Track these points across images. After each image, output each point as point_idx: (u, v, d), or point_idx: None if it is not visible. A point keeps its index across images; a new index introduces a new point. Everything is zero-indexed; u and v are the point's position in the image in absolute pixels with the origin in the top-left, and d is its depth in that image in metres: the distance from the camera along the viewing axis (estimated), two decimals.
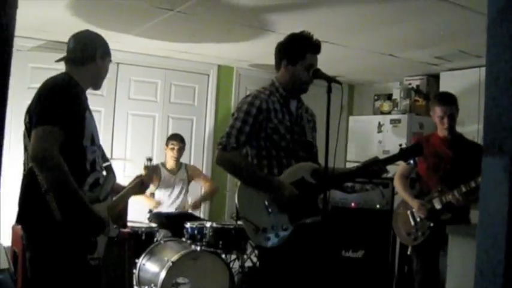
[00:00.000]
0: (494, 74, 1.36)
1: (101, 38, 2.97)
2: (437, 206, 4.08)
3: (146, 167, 3.31)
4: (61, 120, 2.51)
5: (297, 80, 3.19)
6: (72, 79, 2.77)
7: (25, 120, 2.67)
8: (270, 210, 3.01)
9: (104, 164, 2.92)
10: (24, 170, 2.66)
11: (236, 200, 3.09)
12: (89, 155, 2.70)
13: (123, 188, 3.16)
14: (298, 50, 3.17)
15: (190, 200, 5.98)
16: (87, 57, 2.86)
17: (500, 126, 1.32)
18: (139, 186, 3.18)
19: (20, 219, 2.68)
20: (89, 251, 2.68)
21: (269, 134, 3.10)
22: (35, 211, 2.59)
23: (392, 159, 3.25)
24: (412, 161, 3.31)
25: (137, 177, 3.21)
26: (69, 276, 2.60)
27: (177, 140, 5.99)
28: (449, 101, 4.20)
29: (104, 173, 2.90)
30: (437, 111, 4.19)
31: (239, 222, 3.94)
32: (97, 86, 2.99)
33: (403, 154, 3.24)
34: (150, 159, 3.40)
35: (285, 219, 3.02)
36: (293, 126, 3.19)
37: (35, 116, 2.55)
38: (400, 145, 3.37)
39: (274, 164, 3.11)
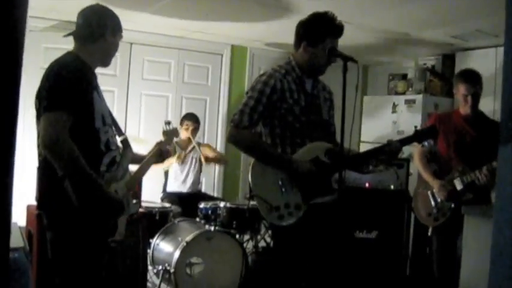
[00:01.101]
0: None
1: (111, 13, 2.85)
2: (459, 186, 4.03)
3: (165, 132, 3.30)
4: (68, 105, 2.47)
5: (316, 62, 3.15)
6: (78, 59, 2.69)
7: (35, 105, 2.63)
8: (283, 189, 3.01)
9: (120, 138, 2.89)
10: (39, 155, 2.63)
11: (250, 179, 3.09)
12: (102, 136, 2.66)
13: (142, 157, 3.13)
14: (319, 32, 3.11)
15: (204, 181, 6.01)
16: (97, 33, 2.75)
17: None
18: (159, 154, 3.16)
19: (40, 205, 2.72)
20: (110, 233, 2.69)
21: (283, 114, 3.08)
22: (53, 197, 2.59)
23: (406, 141, 3.22)
24: (426, 143, 3.31)
25: (157, 144, 3.19)
26: (89, 260, 2.62)
27: (192, 120, 5.98)
28: (474, 80, 4.12)
29: (120, 147, 2.87)
30: (461, 89, 4.12)
31: (252, 202, 3.95)
32: (106, 63, 2.88)
33: (417, 136, 3.26)
34: (168, 123, 3.38)
35: (298, 198, 3.00)
36: (308, 106, 3.15)
37: (43, 102, 2.51)
38: (416, 127, 3.37)
39: (287, 143, 3.09)
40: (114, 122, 2.90)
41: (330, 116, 3.33)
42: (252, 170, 3.09)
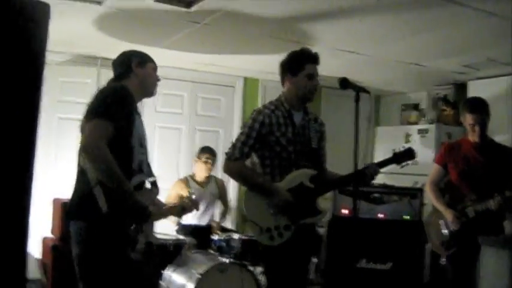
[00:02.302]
0: None
1: (134, 51, 3.20)
2: (471, 215, 4.01)
3: (189, 198, 3.70)
4: (112, 116, 2.70)
5: (300, 89, 3.45)
6: (125, 86, 2.96)
7: (82, 122, 2.84)
8: (272, 211, 3.33)
9: (151, 179, 3.08)
10: (78, 165, 2.84)
11: (243, 204, 3.45)
12: (136, 155, 2.87)
13: (163, 205, 3.45)
14: (297, 61, 3.46)
15: (217, 216, 5.98)
16: (125, 70, 3.06)
17: None
18: (181, 209, 3.56)
19: (68, 215, 2.87)
20: (130, 245, 2.83)
21: (272, 145, 3.41)
22: (81, 205, 2.76)
23: (384, 163, 3.47)
24: (404, 164, 3.53)
25: (181, 200, 3.47)
26: (112, 267, 2.74)
27: (210, 153, 5.93)
28: (480, 108, 4.11)
29: (149, 185, 3.06)
30: (467, 118, 4.11)
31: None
32: (147, 93, 3.19)
33: (396, 158, 3.51)
34: (192, 193, 3.85)
35: (286, 220, 3.33)
36: (296, 137, 3.47)
37: (90, 111, 2.76)
38: (393, 150, 3.58)
39: (276, 172, 3.42)
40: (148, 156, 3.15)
41: (321, 146, 3.64)
42: (245, 197, 3.46)
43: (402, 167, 3.72)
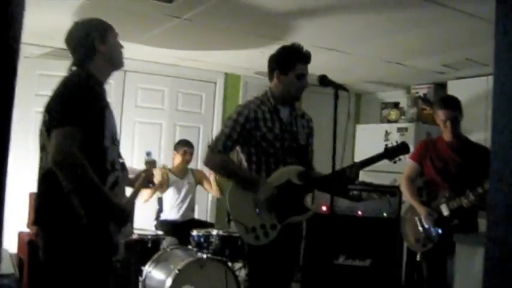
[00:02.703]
0: (501, 84, 1.35)
1: (91, 23, 2.85)
2: (445, 212, 4.05)
3: (147, 162, 3.38)
4: (80, 120, 2.50)
5: (289, 90, 3.39)
6: (89, 74, 2.72)
7: (44, 118, 2.64)
8: (258, 210, 3.25)
9: (120, 161, 2.91)
10: (42, 169, 2.64)
11: (227, 203, 3.38)
12: (109, 155, 2.70)
13: (132, 181, 3.21)
14: (288, 60, 3.38)
15: (197, 206, 6.03)
16: (88, 51, 2.77)
17: (510, 138, 1.31)
18: (146, 181, 3.25)
19: (39, 221, 2.63)
20: (113, 252, 2.70)
21: (258, 141, 3.34)
22: (57, 213, 2.55)
23: (377, 158, 3.41)
24: (397, 159, 3.40)
25: (143, 171, 3.26)
26: (92, 279, 2.57)
27: (188, 145, 6.05)
28: (451, 105, 4.17)
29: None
30: (439, 114, 4.16)
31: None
32: (117, 66, 2.92)
33: (388, 153, 3.41)
34: (148, 153, 3.47)
35: (272, 218, 3.25)
36: (283, 133, 3.39)
37: (55, 116, 2.53)
38: (386, 145, 3.49)
39: (262, 169, 3.35)
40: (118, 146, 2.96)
41: (309, 143, 3.58)
42: (229, 194, 3.37)
43: (395, 162, 3.68)
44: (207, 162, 3.44)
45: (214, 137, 3.44)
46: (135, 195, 3.07)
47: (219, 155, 3.34)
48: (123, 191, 2.87)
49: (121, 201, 2.72)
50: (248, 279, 3.60)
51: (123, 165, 2.93)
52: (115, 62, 2.90)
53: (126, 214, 2.69)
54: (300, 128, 3.50)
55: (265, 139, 3.34)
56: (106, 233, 2.60)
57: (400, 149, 3.42)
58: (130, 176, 3.12)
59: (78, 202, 2.48)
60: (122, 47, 2.94)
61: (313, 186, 3.49)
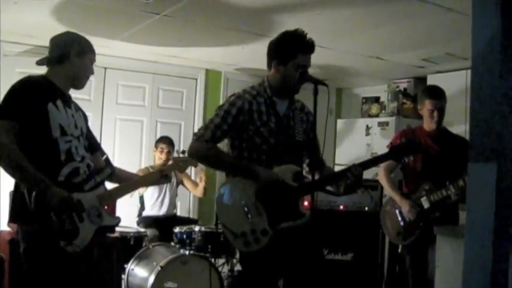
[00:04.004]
0: (479, 73, 1.38)
1: (77, 37, 2.97)
2: (426, 205, 4.08)
3: (175, 158, 3.46)
4: (10, 114, 2.59)
5: (287, 81, 3.07)
6: (42, 78, 2.83)
7: None
8: (249, 215, 2.95)
9: (103, 157, 3.05)
10: None
11: (215, 207, 3.07)
12: (62, 145, 2.72)
13: (129, 175, 3.27)
14: (289, 49, 3.05)
15: (179, 204, 6.01)
16: (62, 55, 2.87)
17: (487, 130, 1.33)
18: (159, 177, 3.29)
19: (11, 217, 2.84)
20: (62, 236, 2.63)
21: (251, 136, 3.05)
22: (16, 204, 2.70)
23: (382, 158, 3.21)
24: (406, 159, 3.20)
25: (162, 166, 3.31)
26: (44, 265, 2.65)
27: (166, 142, 5.98)
28: (439, 95, 4.20)
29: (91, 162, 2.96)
30: (427, 104, 4.18)
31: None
32: (77, 85, 2.97)
33: (394, 152, 3.16)
34: (183, 152, 3.47)
35: (264, 223, 2.94)
36: (279, 128, 3.09)
37: None
38: (391, 143, 3.32)
39: None
40: (93, 140, 3.13)
41: (310, 138, 3.21)
42: (217, 199, 3.06)
43: (401, 163, 3.55)
44: (192, 152, 3.10)
45: (201, 125, 3.17)
46: (130, 187, 3.17)
47: (206, 144, 3.03)
48: (96, 183, 2.85)
49: (81, 198, 2.73)
50: (240, 283, 3.44)
51: (106, 160, 3.06)
52: (78, 79, 2.95)
53: (64, 202, 2.59)
54: (298, 123, 3.17)
55: (258, 134, 3.03)
56: (50, 218, 2.59)
57: (407, 148, 3.14)
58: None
59: (26, 190, 2.58)
60: (91, 73, 3.00)
61: (310, 188, 3.04)
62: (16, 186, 2.68)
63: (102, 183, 2.93)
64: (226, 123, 3.04)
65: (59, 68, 2.87)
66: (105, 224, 2.87)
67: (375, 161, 3.17)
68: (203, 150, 3.07)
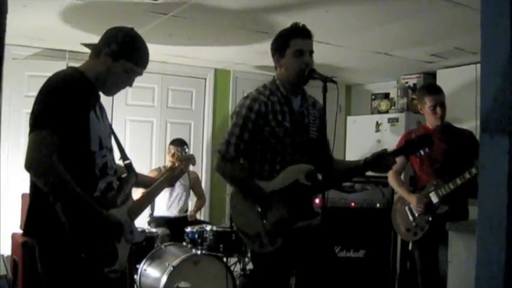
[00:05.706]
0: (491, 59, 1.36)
1: (123, 35, 2.61)
2: (434, 200, 4.09)
3: (180, 157, 3.21)
4: (55, 124, 2.26)
5: (290, 71, 3.04)
6: (80, 74, 2.48)
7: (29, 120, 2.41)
8: (263, 216, 2.95)
9: (125, 162, 2.77)
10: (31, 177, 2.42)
11: (230, 210, 3.10)
12: (99, 160, 2.46)
13: (151, 180, 3.01)
14: (282, 40, 3.06)
15: (191, 205, 6.02)
16: (98, 49, 2.57)
17: (499, 104, 1.29)
18: (169, 179, 3.01)
19: (28, 231, 2.44)
20: (106, 262, 2.42)
21: (266, 136, 3.00)
22: (44, 222, 2.37)
23: (397, 153, 3.16)
24: (422, 152, 3.18)
25: (170, 168, 3.10)
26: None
27: (173, 144, 6.01)
28: (437, 90, 4.24)
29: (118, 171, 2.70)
30: (427, 101, 4.19)
31: None
32: (104, 90, 2.63)
33: (409, 146, 3.17)
34: (186, 149, 3.28)
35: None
36: (294, 127, 3.05)
37: (30, 120, 2.32)
38: (406, 140, 3.30)
39: (265, 169, 3.02)
40: (119, 146, 2.81)
41: (322, 134, 3.19)
42: (231, 200, 3.08)
43: (417, 156, 3.52)
44: (218, 171, 3.07)
45: (223, 139, 3.05)
46: (151, 195, 2.91)
47: (232, 163, 3.01)
48: (126, 195, 2.63)
49: (109, 211, 2.46)
50: (252, 282, 3.38)
51: (129, 166, 2.78)
52: (106, 84, 2.60)
53: (115, 227, 2.42)
54: (311, 119, 3.13)
55: (274, 135, 2.99)
56: (93, 242, 2.35)
57: (421, 142, 3.09)
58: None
59: (61, 209, 2.29)
60: (123, 82, 2.65)
61: (323, 186, 3.04)
62: (39, 195, 2.34)
63: (130, 194, 2.70)
64: (247, 130, 2.99)
65: (94, 63, 2.57)
66: (136, 240, 2.67)
67: (394, 153, 3.10)
68: (229, 174, 3.05)
